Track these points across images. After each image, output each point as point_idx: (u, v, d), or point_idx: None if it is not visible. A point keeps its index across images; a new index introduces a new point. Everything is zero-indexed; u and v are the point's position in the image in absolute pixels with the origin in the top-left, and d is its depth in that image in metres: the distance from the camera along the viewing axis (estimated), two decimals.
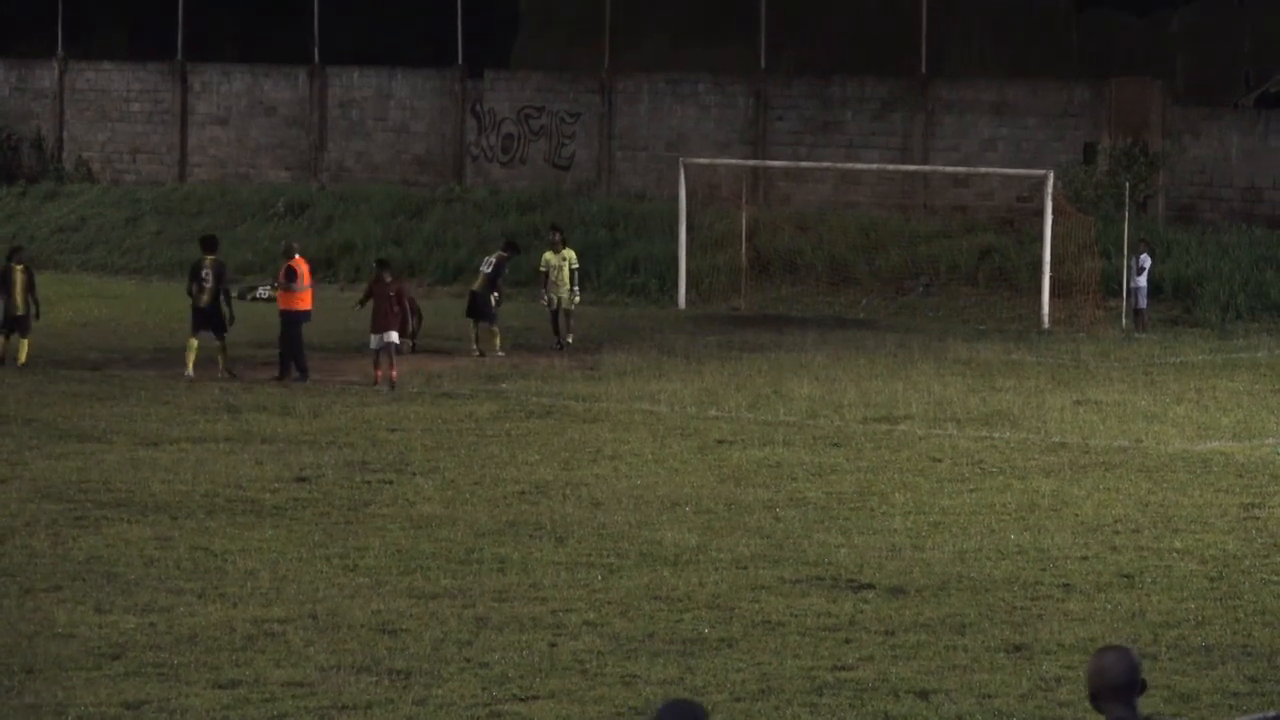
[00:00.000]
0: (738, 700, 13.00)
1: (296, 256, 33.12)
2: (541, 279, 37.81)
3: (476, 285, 37.60)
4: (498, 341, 35.41)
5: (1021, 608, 16.57)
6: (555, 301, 36.99)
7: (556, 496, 22.43)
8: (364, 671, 13.70)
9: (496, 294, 36.94)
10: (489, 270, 37.36)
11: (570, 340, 36.42)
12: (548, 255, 37.76)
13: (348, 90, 57.45)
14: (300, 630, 15.39)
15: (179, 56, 57.97)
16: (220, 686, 13.19)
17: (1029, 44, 51.54)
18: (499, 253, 38.94)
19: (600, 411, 29.74)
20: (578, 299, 37.38)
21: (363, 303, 32.74)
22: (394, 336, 30.37)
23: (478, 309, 37.10)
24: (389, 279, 31.21)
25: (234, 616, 16.07)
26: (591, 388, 32.24)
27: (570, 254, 37.42)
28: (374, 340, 29.99)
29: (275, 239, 50.93)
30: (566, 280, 36.98)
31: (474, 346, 36.39)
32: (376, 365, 29.50)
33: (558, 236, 38.46)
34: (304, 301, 32.47)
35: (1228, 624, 15.61)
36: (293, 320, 31.86)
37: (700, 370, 34.56)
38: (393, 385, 28.95)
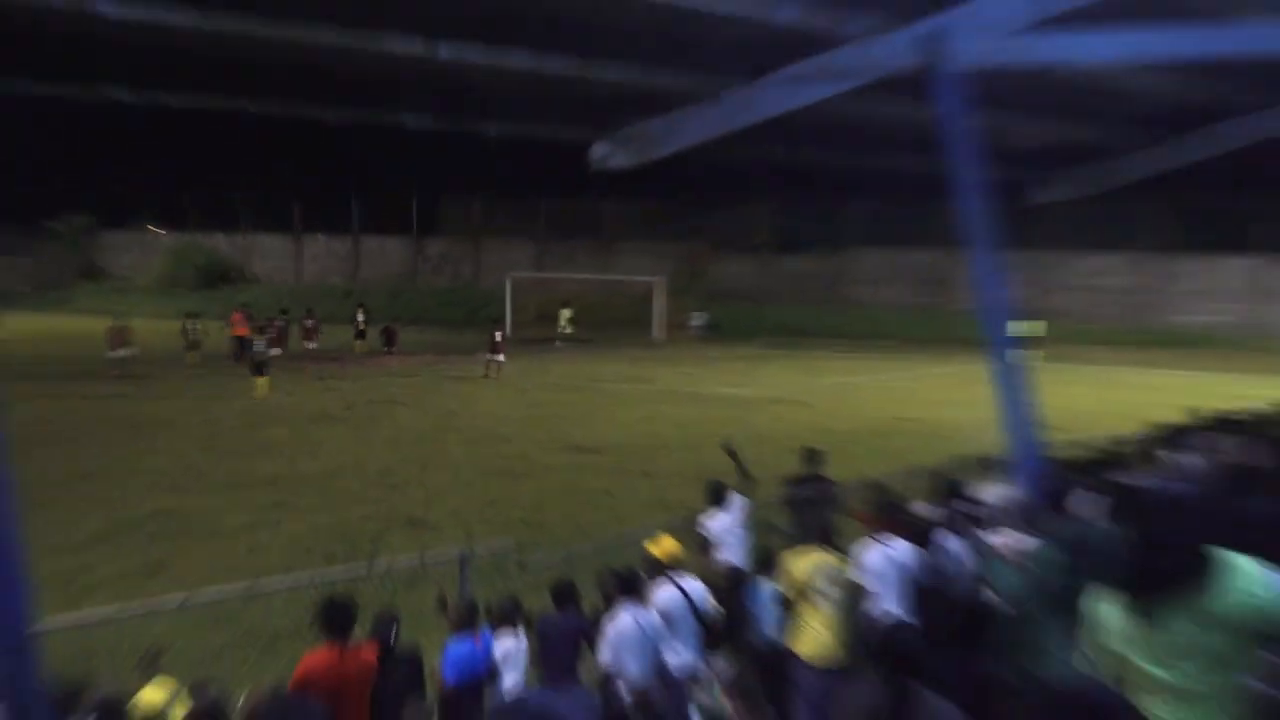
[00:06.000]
0: None
1: None
2: None
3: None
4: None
5: (646, 452, 25.45)
6: None
7: (463, 414, 31.06)
8: (372, 487, 21.78)
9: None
10: None
11: None
12: None
13: None
14: (350, 474, 23.02)
15: None
16: (320, 497, 20.80)
17: None
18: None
19: (471, 374, 38.39)
20: None
21: None
22: None
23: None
24: None
25: (322, 467, 23.70)
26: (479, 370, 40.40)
27: None
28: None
29: None
30: None
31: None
32: None
33: None
34: None
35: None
36: None
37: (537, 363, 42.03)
38: None
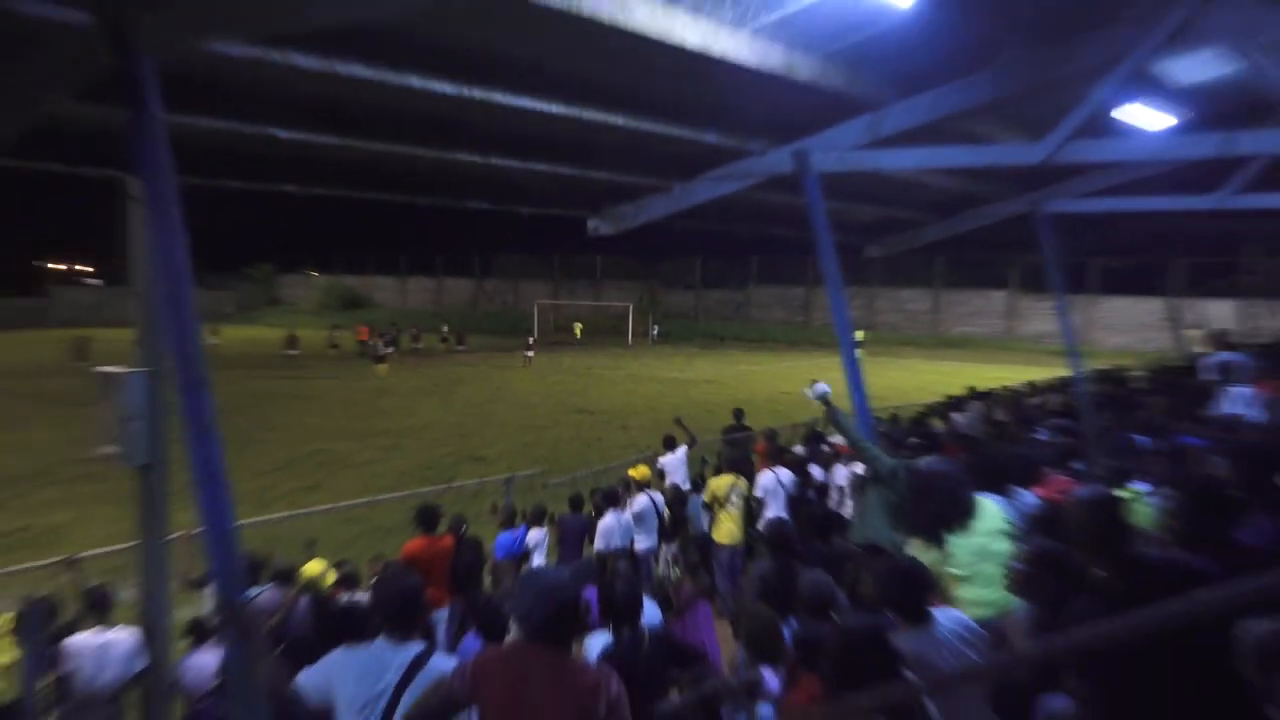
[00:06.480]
0: None
1: None
2: None
3: None
4: None
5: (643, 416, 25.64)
6: None
7: (507, 390, 29.91)
8: (449, 436, 21.96)
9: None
10: None
11: None
12: None
13: None
14: (435, 427, 22.83)
15: None
16: (417, 442, 21.04)
17: None
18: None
19: (512, 365, 35.87)
20: None
21: None
22: None
23: None
24: None
25: (418, 423, 23.57)
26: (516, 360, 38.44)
27: None
28: None
29: None
30: None
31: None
32: None
33: None
34: None
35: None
36: None
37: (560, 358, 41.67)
38: None
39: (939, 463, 5.19)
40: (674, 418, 15.41)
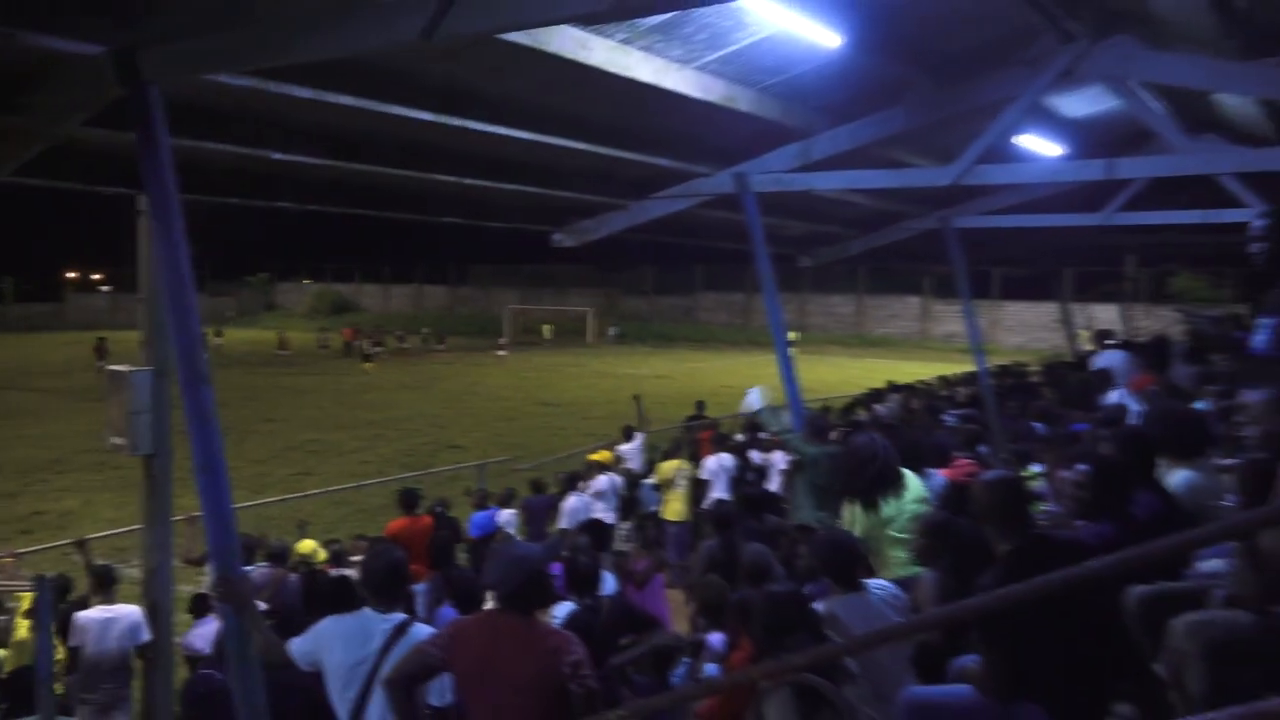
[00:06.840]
0: None
1: None
2: None
3: None
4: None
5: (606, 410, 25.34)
6: None
7: (481, 384, 29.21)
8: (429, 426, 21.39)
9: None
10: None
11: None
12: None
13: None
14: (416, 418, 22.65)
15: None
16: (399, 432, 20.94)
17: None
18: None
19: (485, 363, 35.21)
20: None
21: None
22: None
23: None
24: None
25: (400, 414, 23.11)
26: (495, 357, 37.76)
27: None
28: None
29: None
30: None
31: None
32: None
33: None
34: None
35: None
36: None
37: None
38: None
39: (874, 437, 5.26)
40: (634, 395, 15.30)
